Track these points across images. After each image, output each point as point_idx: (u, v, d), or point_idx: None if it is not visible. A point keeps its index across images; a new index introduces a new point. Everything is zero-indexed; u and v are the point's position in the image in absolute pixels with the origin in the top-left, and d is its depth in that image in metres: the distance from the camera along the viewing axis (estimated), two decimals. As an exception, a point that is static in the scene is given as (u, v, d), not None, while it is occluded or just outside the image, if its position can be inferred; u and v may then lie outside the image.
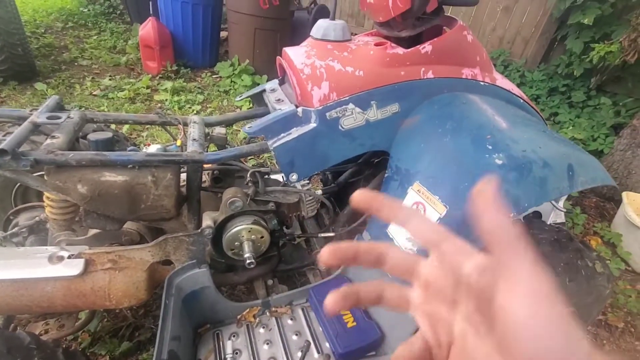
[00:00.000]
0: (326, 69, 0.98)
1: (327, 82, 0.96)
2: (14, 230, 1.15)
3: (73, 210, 1.07)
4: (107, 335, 1.37)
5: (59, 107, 1.11)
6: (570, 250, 1.03)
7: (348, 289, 0.28)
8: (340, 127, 0.99)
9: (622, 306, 1.82)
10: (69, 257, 0.94)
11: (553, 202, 1.61)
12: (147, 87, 3.39)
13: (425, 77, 1.02)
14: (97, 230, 1.10)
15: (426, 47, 1.01)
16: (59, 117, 1.01)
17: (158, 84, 3.48)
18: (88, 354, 1.31)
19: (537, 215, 1.81)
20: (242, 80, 3.58)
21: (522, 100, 1.19)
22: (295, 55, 1.02)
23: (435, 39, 1.01)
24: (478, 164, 0.89)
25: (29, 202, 1.30)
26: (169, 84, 3.38)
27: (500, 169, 0.86)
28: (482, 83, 1.10)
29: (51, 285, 0.91)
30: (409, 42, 1.07)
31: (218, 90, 3.56)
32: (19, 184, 1.34)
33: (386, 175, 1.07)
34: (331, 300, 0.27)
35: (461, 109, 1.01)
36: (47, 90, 3.10)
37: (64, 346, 0.85)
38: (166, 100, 3.20)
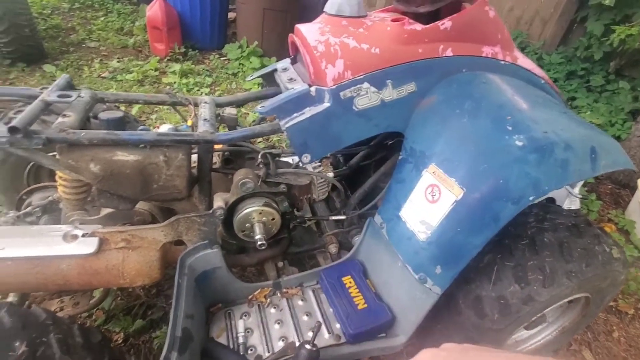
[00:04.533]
0: (341, 46, 0.94)
1: (341, 59, 0.93)
2: (27, 209, 1.16)
3: (85, 190, 1.07)
4: (121, 313, 1.40)
5: (69, 86, 1.10)
6: (588, 235, 1.01)
7: None
8: (354, 107, 0.96)
9: (633, 293, 1.80)
10: (83, 236, 0.95)
11: (569, 188, 1.57)
12: (155, 70, 3.36)
13: (443, 55, 0.98)
14: (110, 210, 1.10)
15: (445, 24, 0.96)
16: (70, 96, 1.00)
17: (166, 66, 3.45)
18: (103, 330, 1.34)
19: (551, 201, 1.78)
20: (251, 62, 3.52)
21: (543, 81, 1.14)
22: (309, 31, 0.99)
23: (455, 15, 0.97)
24: (498, 145, 0.86)
25: (42, 182, 1.31)
26: (177, 67, 3.35)
27: (521, 151, 0.83)
28: (502, 62, 1.05)
29: (66, 263, 0.92)
30: (428, 18, 1.03)
31: (226, 73, 3.51)
32: (31, 164, 1.35)
33: (400, 157, 1.05)
34: None
35: (480, 89, 0.97)
36: (55, 72, 3.09)
37: (79, 322, 0.86)
38: (174, 82, 3.17)
